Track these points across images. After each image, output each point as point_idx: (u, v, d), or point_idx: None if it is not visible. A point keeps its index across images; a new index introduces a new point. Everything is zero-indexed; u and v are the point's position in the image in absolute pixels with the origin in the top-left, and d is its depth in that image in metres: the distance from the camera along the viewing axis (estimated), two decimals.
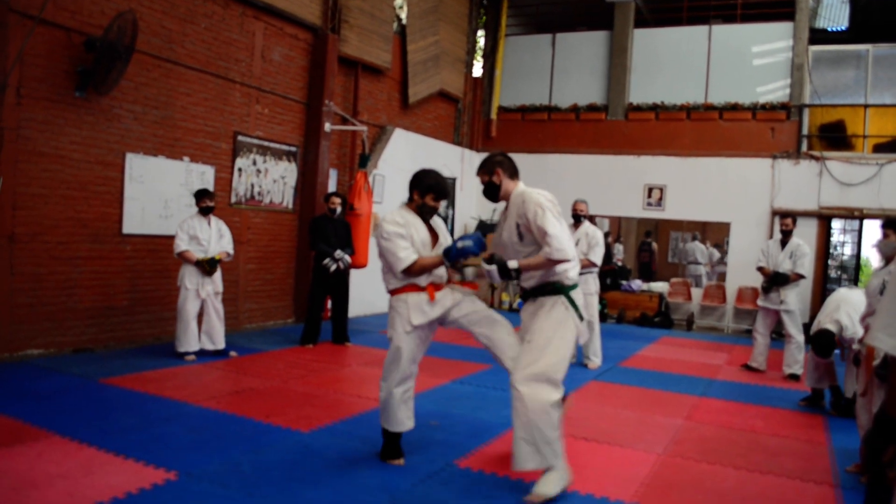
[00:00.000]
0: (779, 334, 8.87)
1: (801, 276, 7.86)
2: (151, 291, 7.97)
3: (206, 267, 7.17)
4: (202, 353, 7.25)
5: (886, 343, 1.75)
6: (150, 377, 6.30)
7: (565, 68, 14.15)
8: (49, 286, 6.92)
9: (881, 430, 1.78)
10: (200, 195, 7.28)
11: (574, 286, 4.16)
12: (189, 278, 7.15)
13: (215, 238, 7.31)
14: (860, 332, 5.58)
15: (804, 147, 12.09)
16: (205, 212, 7.27)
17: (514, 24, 15.04)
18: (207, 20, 8.40)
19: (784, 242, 8.06)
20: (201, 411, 5.32)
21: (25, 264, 6.71)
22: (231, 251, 7.47)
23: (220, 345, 7.41)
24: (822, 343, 5.93)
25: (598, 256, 7.92)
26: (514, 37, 14.82)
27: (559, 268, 4.04)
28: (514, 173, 4.29)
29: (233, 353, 7.48)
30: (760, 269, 8.15)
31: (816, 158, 11.83)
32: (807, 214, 11.61)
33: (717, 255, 15.50)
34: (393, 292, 4.42)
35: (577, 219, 8.11)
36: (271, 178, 9.60)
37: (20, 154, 6.58)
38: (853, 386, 5.97)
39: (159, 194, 7.95)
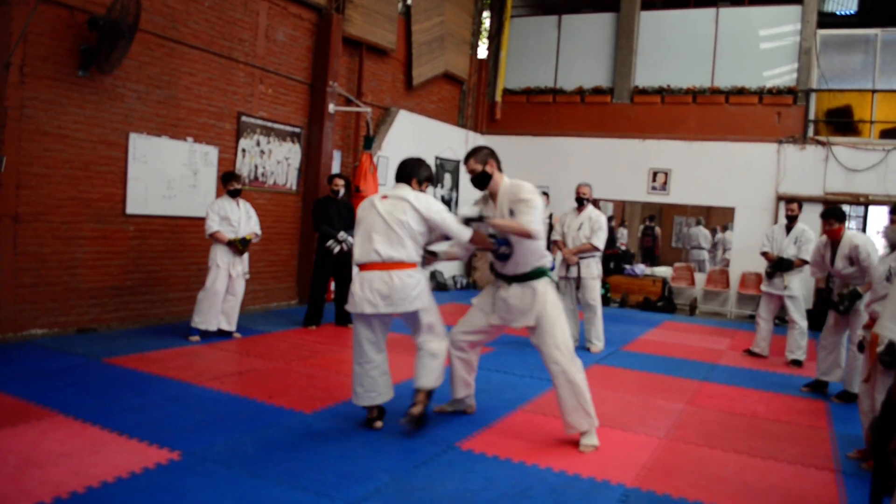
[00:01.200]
0: (782, 320, 8.87)
1: (805, 262, 7.81)
2: (155, 272, 7.98)
3: (239, 246, 7.25)
4: (207, 334, 7.26)
5: (894, 332, 1.74)
6: (154, 357, 6.32)
7: (571, 50, 14.07)
8: (53, 266, 6.93)
9: (888, 419, 1.77)
10: (228, 178, 7.37)
11: (551, 268, 4.87)
12: (221, 258, 7.22)
13: (244, 219, 7.36)
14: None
15: (810, 132, 12.02)
16: (233, 194, 7.32)
17: (520, 5, 14.93)
18: None
19: (789, 228, 8.02)
20: (204, 392, 5.34)
21: (29, 244, 6.71)
22: (259, 231, 7.57)
23: (235, 326, 7.47)
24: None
25: (600, 241, 7.91)
26: (519, 18, 14.71)
27: (544, 255, 4.68)
28: (500, 166, 4.81)
29: (236, 335, 7.50)
30: (764, 254, 8.12)
31: (822, 144, 11.77)
32: (812, 200, 11.55)
33: (727, 240, 15.46)
34: (415, 265, 4.59)
35: (581, 202, 8.09)
36: (275, 160, 9.58)
37: (23, 133, 6.56)
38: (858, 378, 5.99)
39: (163, 174, 7.94)
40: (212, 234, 7.18)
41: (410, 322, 4.71)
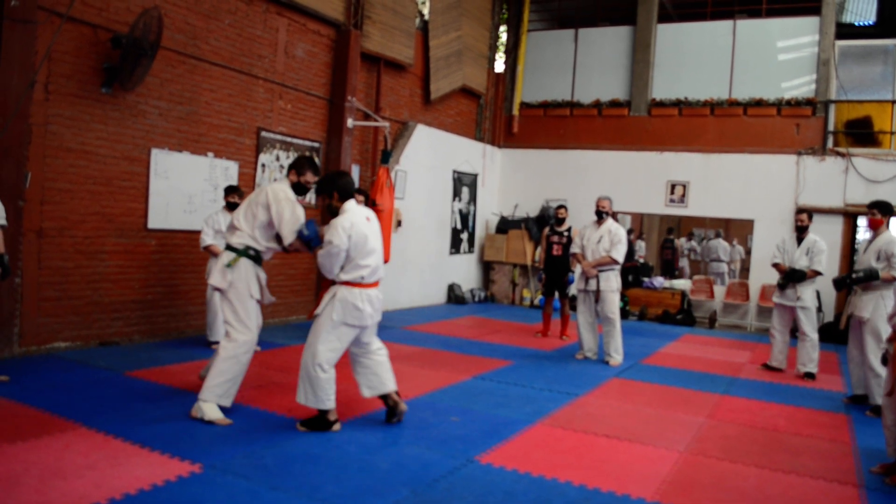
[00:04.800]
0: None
1: (818, 273, 7.72)
2: (176, 285, 8.06)
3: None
4: None
5: None
6: (175, 370, 6.37)
7: (588, 64, 14.09)
8: (75, 280, 7.02)
9: None
10: (229, 191, 7.42)
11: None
12: None
13: None
14: None
15: (830, 143, 11.94)
16: (231, 207, 7.34)
17: (537, 19, 15.00)
18: (231, 16, 8.46)
19: (800, 238, 7.91)
20: None
21: (52, 258, 6.80)
22: None
23: None
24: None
25: (620, 254, 7.90)
26: (536, 32, 14.77)
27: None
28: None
29: (256, 347, 7.54)
30: (776, 265, 8.01)
31: (842, 155, 11.70)
32: (832, 212, 11.48)
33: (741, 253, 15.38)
34: None
35: (600, 215, 8.10)
36: None
37: (48, 149, 6.67)
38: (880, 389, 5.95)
39: (184, 189, 8.03)
40: (206, 248, 7.21)
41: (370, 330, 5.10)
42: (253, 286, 5.15)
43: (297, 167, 5.27)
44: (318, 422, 4.89)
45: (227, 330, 5.13)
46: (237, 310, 5.09)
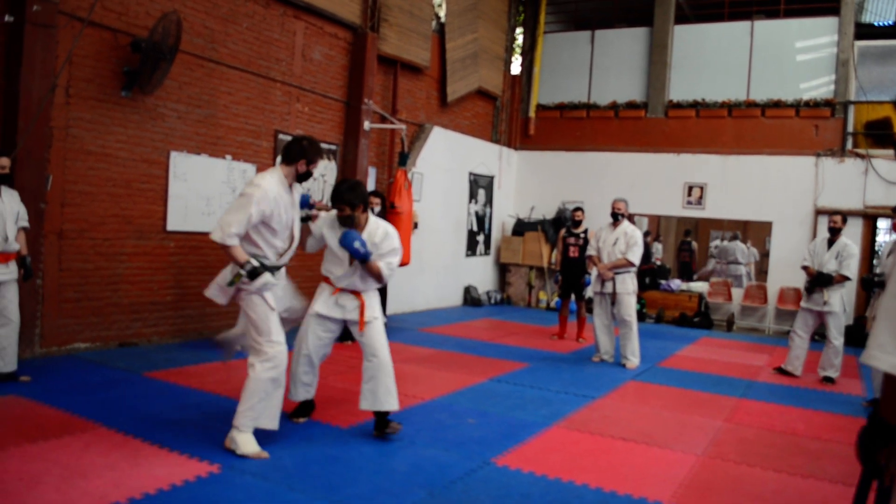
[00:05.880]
0: (822, 336, 8.71)
1: (845, 278, 7.58)
2: (194, 287, 8.11)
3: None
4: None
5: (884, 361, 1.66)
6: (193, 371, 6.42)
7: (604, 65, 14.05)
8: (95, 282, 7.09)
9: (874, 431, 1.74)
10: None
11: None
12: None
13: None
14: None
15: (849, 145, 11.84)
16: None
17: (553, 20, 14.98)
18: (249, 20, 8.52)
19: (832, 241, 7.77)
20: None
21: (73, 260, 6.88)
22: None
23: None
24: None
25: (636, 256, 7.88)
26: (552, 34, 14.75)
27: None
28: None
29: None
30: (805, 268, 7.92)
31: (862, 156, 11.59)
32: (851, 214, 11.35)
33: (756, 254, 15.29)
34: None
35: (616, 217, 8.08)
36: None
37: (68, 152, 6.75)
38: None
39: (202, 192, 8.09)
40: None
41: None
42: (266, 295, 4.58)
43: (308, 155, 4.62)
44: (386, 421, 4.88)
45: (253, 347, 4.61)
46: (258, 324, 4.59)
